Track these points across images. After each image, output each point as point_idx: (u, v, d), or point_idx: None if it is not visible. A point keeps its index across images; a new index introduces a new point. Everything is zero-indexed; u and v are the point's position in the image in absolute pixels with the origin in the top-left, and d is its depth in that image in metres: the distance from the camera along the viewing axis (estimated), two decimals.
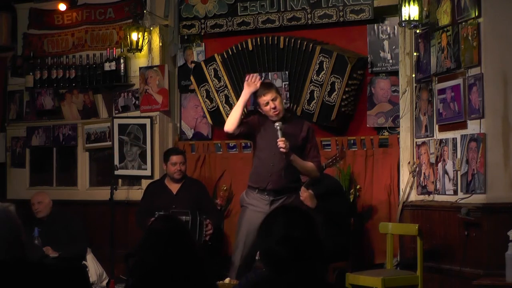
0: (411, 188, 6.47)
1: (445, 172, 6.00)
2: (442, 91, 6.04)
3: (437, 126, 6.15)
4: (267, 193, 5.61)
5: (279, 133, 5.47)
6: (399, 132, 6.66)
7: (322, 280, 2.80)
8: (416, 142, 6.46)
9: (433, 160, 6.19)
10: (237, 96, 7.27)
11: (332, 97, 6.84)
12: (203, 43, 7.75)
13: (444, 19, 6.00)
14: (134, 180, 7.87)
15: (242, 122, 5.66)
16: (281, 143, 5.43)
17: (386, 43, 6.91)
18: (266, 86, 5.67)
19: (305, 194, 6.00)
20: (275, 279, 2.70)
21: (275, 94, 5.58)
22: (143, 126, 7.77)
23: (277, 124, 5.50)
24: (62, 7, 8.15)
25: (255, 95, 5.67)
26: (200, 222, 6.58)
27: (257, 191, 5.64)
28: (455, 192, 5.87)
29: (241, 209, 5.84)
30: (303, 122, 5.83)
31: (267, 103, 5.55)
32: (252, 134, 5.72)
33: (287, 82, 7.02)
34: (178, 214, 6.46)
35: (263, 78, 7.11)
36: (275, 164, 5.58)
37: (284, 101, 6.91)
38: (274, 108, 5.54)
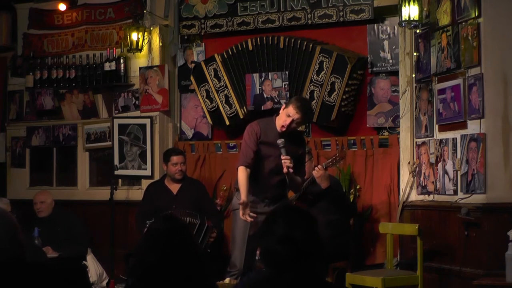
0: (411, 188, 6.47)
1: (445, 172, 6.00)
2: (442, 91, 6.04)
3: (437, 126, 6.15)
4: (265, 199, 5.63)
5: (283, 150, 5.45)
6: (399, 132, 6.66)
7: (322, 280, 2.80)
8: (416, 142, 6.46)
9: (433, 160, 6.18)
10: (237, 96, 7.30)
11: (332, 97, 6.84)
12: (203, 43, 7.75)
13: (444, 19, 6.00)
14: (134, 180, 7.87)
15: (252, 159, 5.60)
16: (287, 161, 5.41)
17: (386, 43, 6.92)
18: (300, 106, 5.47)
19: (320, 172, 6.07)
20: (275, 279, 2.70)
21: (301, 120, 5.50)
22: (143, 126, 7.77)
23: (280, 142, 5.46)
24: (62, 7, 8.15)
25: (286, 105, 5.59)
26: (207, 228, 6.59)
27: (255, 196, 5.63)
28: (455, 192, 5.87)
29: (233, 213, 5.78)
30: (303, 138, 5.84)
31: (288, 116, 5.48)
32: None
33: (287, 82, 7.02)
34: (186, 215, 6.47)
35: (263, 78, 7.13)
36: (274, 176, 5.59)
37: (284, 101, 6.92)
38: (289, 125, 5.48)
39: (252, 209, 5.50)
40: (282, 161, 5.43)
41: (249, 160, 5.53)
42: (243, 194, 5.44)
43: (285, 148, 5.44)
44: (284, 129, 5.49)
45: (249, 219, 5.40)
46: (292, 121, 5.46)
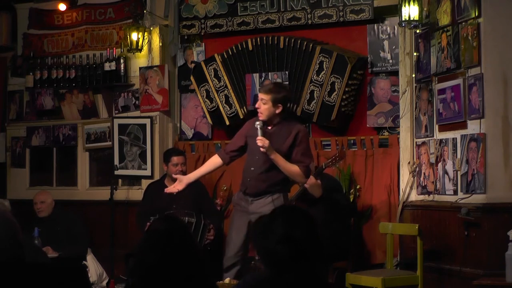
0: (411, 188, 6.47)
1: (445, 172, 6.00)
2: (442, 91, 6.04)
3: (437, 126, 6.16)
4: (247, 194, 5.64)
5: (258, 132, 5.48)
6: (399, 132, 6.67)
7: (322, 280, 2.80)
8: (416, 142, 6.46)
9: (433, 160, 6.19)
10: (237, 96, 7.31)
11: (332, 97, 6.84)
12: (203, 43, 7.75)
13: (444, 19, 6.00)
14: (134, 180, 7.87)
15: (233, 153, 5.76)
16: (259, 142, 5.43)
17: (386, 43, 6.92)
18: (265, 86, 5.63)
19: (311, 181, 6.03)
20: (275, 279, 2.70)
21: (265, 96, 5.46)
22: (143, 126, 7.77)
23: (257, 123, 5.51)
24: (62, 7, 8.15)
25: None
26: (204, 226, 6.59)
27: (241, 191, 5.72)
28: (455, 192, 5.87)
29: (233, 209, 5.96)
30: (294, 126, 5.59)
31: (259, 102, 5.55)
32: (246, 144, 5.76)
33: (287, 82, 7.02)
34: (184, 215, 6.47)
35: (263, 78, 7.13)
36: (255, 169, 5.60)
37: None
38: (260, 107, 5.51)
39: (238, 206, 5.70)
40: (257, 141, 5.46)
41: (227, 151, 5.78)
42: (193, 173, 5.88)
43: (262, 131, 5.47)
44: (260, 115, 5.51)
45: (174, 190, 5.80)
46: (261, 100, 5.50)
